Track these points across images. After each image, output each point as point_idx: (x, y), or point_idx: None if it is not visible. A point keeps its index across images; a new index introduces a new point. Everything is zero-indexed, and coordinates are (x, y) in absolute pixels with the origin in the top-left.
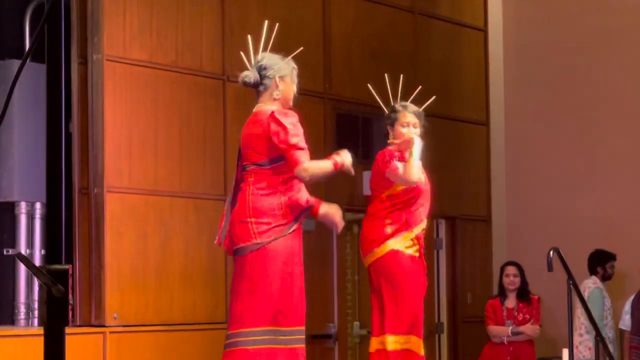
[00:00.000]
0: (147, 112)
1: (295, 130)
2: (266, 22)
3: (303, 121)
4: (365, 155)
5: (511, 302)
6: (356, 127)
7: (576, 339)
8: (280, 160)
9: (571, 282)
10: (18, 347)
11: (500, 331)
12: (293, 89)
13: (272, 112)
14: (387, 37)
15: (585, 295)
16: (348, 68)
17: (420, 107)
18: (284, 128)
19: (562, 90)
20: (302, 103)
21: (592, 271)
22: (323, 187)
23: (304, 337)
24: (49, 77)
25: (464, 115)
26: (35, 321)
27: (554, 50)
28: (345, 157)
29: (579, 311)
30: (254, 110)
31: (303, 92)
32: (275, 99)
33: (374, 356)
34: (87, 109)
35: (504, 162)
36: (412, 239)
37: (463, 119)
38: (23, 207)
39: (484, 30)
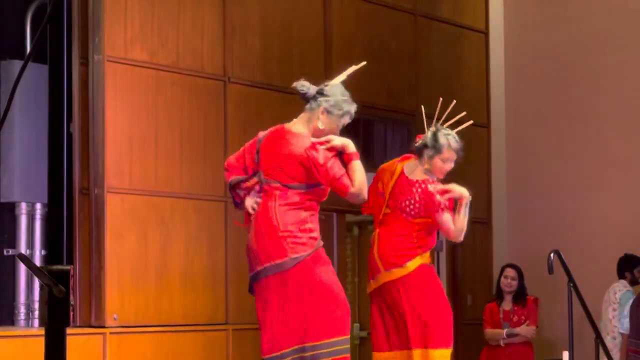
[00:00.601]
0: (148, 112)
1: (333, 161)
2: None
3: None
4: (365, 156)
5: (507, 304)
6: (357, 129)
7: (610, 343)
8: (318, 185)
9: (572, 284)
10: (18, 348)
11: (496, 334)
12: (333, 127)
13: (313, 145)
14: (388, 39)
15: (617, 297)
16: None
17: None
18: (325, 163)
19: (564, 93)
20: (303, 104)
21: (621, 275)
22: None
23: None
24: (51, 77)
25: (464, 118)
26: (35, 322)
27: (555, 52)
28: (343, 141)
29: (610, 314)
30: (287, 126)
31: None
32: (315, 127)
33: None
34: (87, 110)
35: (505, 165)
36: (429, 256)
37: (464, 120)
38: (23, 207)
39: (485, 33)
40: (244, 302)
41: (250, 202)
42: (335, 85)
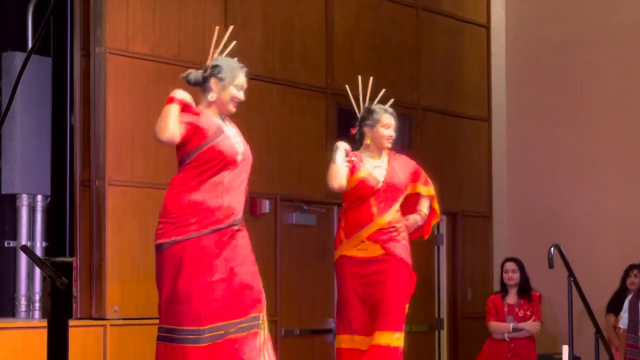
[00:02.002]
0: (149, 105)
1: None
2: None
3: (305, 115)
4: None
5: (512, 298)
6: None
7: None
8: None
9: (572, 279)
10: (19, 339)
11: (502, 327)
12: (233, 93)
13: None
14: (389, 32)
15: None
16: (350, 63)
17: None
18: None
19: (565, 87)
20: (304, 97)
21: None
22: (324, 182)
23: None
24: (53, 70)
25: (466, 112)
26: (36, 313)
27: (557, 46)
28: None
29: None
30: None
31: (305, 86)
32: (207, 100)
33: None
34: (89, 102)
35: (506, 159)
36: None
37: (465, 115)
38: (25, 199)
39: (486, 27)
40: None
41: None
42: (217, 58)
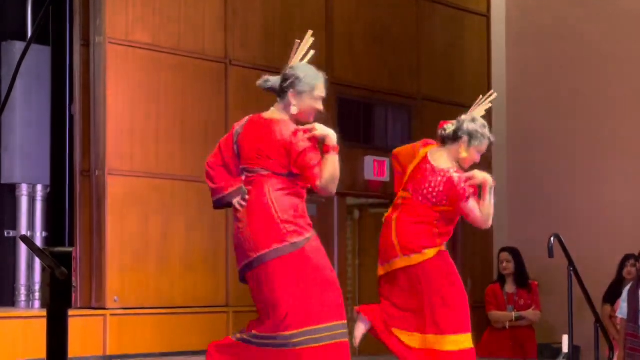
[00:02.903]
0: (149, 95)
1: (310, 149)
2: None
3: None
4: (366, 140)
5: (510, 287)
6: (358, 112)
7: None
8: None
9: (572, 268)
10: (18, 329)
11: (503, 317)
12: (307, 107)
13: (296, 131)
14: (390, 22)
15: None
16: (350, 53)
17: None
18: (302, 150)
19: (565, 77)
20: None
21: None
22: None
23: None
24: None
25: (466, 101)
26: (36, 303)
27: (557, 35)
28: (326, 132)
29: None
30: (265, 115)
31: None
32: (291, 114)
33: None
34: (89, 92)
35: (506, 148)
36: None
37: (465, 104)
38: (24, 189)
39: (486, 16)
40: (244, 285)
41: (236, 200)
42: (296, 66)
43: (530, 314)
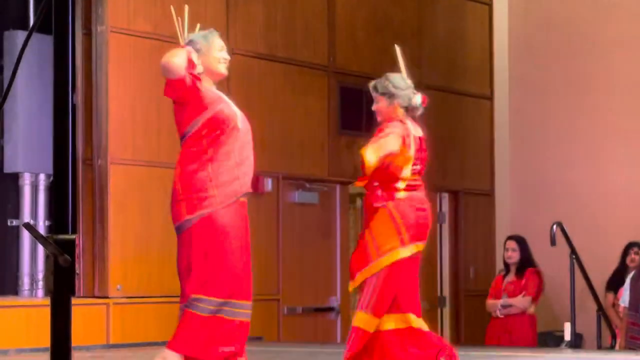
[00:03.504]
0: (151, 83)
1: None
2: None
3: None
4: (368, 128)
5: (511, 276)
6: (360, 101)
7: None
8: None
9: (574, 256)
10: (22, 318)
11: (492, 305)
12: (213, 55)
13: None
14: (392, 10)
15: None
16: (352, 41)
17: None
18: None
19: (568, 64)
20: (306, 76)
21: None
22: (327, 160)
23: None
24: (56, 48)
25: (468, 90)
26: (39, 292)
27: (560, 23)
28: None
29: None
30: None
31: (307, 64)
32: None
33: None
34: (91, 81)
35: (508, 137)
36: None
37: (467, 93)
38: (27, 178)
39: (489, 4)
40: None
41: None
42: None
43: (518, 300)
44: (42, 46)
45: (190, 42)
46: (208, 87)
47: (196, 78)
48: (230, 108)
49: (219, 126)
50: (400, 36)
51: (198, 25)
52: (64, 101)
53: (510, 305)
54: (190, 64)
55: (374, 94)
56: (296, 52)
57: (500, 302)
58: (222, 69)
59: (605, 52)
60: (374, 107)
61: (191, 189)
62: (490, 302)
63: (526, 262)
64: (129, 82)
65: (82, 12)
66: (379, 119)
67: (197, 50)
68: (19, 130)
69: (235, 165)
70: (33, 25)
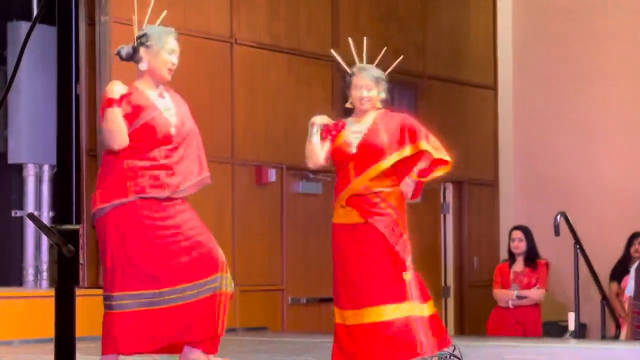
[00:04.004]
0: None
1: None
2: None
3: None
4: None
5: (518, 266)
6: None
7: None
8: None
9: (578, 246)
10: (26, 308)
11: (505, 295)
12: (162, 57)
13: None
14: (395, 0)
15: None
16: (356, 31)
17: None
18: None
19: (571, 54)
20: (310, 66)
21: None
22: None
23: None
24: (59, 39)
25: (472, 80)
26: (44, 283)
27: (563, 14)
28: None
29: None
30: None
31: (310, 55)
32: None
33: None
34: (94, 71)
35: (512, 127)
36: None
37: (471, 83)
38: (31, 169)
39: None
40: (251, 264)
41: None
42: (145, 27)
43: (533, 292)
44: (45, 37)
45: (143, 36)
46: (144, 92)
47: (126, 95)
48: (161, 119)
49: (145, 138)
50: (404, 26)
51: (164, 12)
52: (67, 92)
53: (524, 297)
54: (122, 98)
55: (369, 82)
56: (300, 42)
57: (515, 293)
58: (166, 74)
59: (610, 42)
60: (367, 94)
61: (109, 178)
62: (499, 291)
63: (532, 252)
64: (133, 73)
65: (85, 2)
66: (368, 105)
67: (147, 47)
68: (22, 122)
69: (156, 167)
70: (36, 16)
